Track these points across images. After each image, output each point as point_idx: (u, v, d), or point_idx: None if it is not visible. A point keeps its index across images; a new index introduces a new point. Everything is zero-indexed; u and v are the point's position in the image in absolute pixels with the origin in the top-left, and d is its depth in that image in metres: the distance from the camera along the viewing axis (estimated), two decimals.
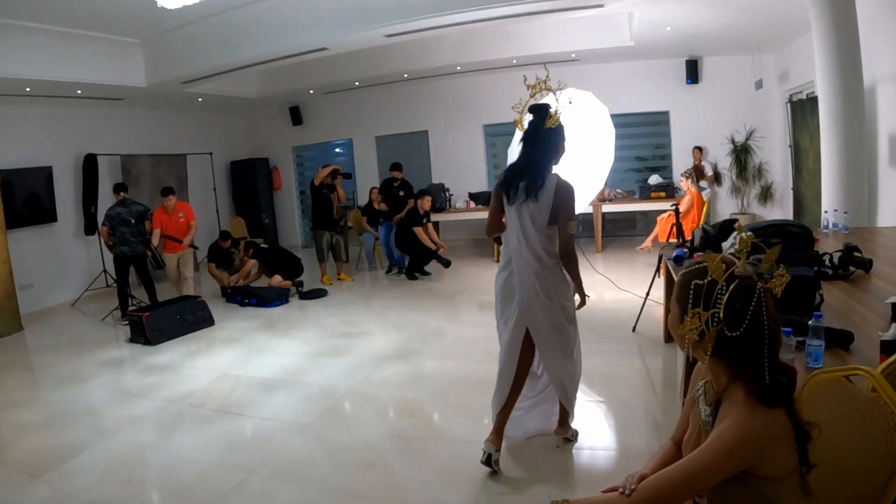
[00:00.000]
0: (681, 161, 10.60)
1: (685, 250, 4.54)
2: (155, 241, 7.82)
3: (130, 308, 7.73)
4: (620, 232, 11.32)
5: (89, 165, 9.68)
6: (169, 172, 11.07)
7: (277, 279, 8.36)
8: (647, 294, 5.96)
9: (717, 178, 10.43)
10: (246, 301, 8.27)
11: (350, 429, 4.32)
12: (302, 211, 13.70)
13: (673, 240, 5.91)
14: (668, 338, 5.40)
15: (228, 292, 8.70)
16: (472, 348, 5.85)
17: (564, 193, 3.19)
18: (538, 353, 3.40)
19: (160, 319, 6.94)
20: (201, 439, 4.33)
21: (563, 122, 3.26)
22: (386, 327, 6.82)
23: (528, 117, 3.37)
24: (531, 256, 3.20)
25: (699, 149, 10.37)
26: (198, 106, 11.59)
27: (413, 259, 9.10)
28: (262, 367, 5.79)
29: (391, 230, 9.49)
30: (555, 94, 3.46)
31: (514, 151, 7.22)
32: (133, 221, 7.83)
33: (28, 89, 8.05)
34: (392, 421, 4.41)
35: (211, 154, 12.24)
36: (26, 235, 8.98)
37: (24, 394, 5.71)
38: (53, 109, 9.30)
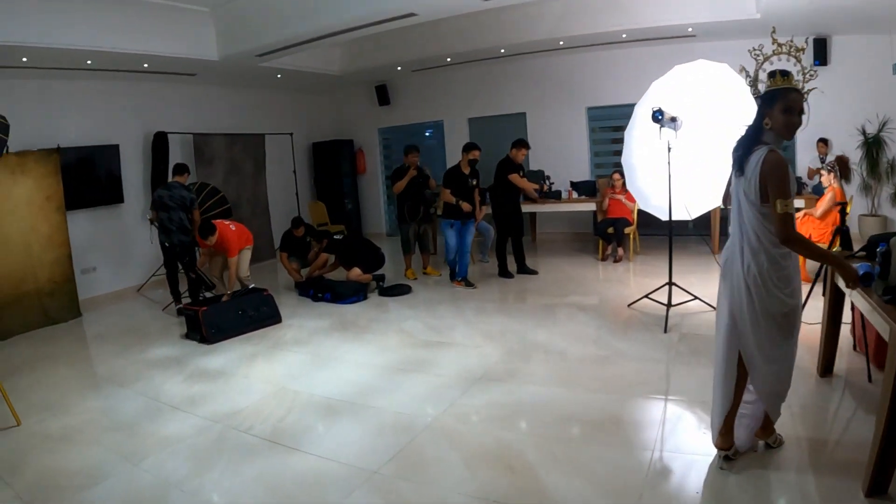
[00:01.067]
0: (804, 154, 9.07)
1: (874, 267, 3.21)
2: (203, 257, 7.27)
3: (185, 301, 7.04)
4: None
5: (159, 144, 9.14)
6: (245, 153, 10.45)
7: (356, 272, 7.47)
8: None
9: (846, 175, 8.82)
10: (319, 295, 7.44)
11: (429, 484, 3.25)
12: (388, 196, 12.97)
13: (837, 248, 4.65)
14: (826, 370, 4.14)
15: (301, 284, 7.91)
16: (581, 371, 4.72)
17: (767, 167, 2.76)
18: (742, 347, 3.00)
19: (219, 315, 6.16)
20: (239, 480, 3.41)
21: (772, 91, 2.88)
22: (477, 337, 5.76)
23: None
24: (743, 235, 2.92)
25: (824, 141, 8.76)
26: (277, 83, 10.93)
27: (507, 236, 8.00)
28: (328, 382, 4.86)
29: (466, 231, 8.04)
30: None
31: (637, 134, 6.32)
32: (173, 207, 7.13)
33: (90, 62, 7.46)
34: (484, 475, 3.29)
35: (291, 135, 11.61)
36: (90, 217, 8.51)
37: (58, 395, 5.03)
38: (119, 85, 8.77)
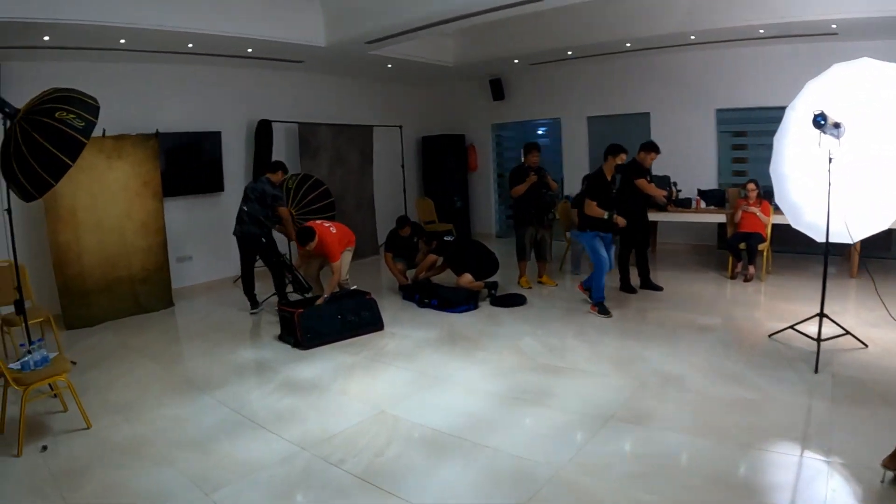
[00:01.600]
0: None
1: None
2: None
3: (282, 302, 6.49)
4: (877, 252, 8.29)
5: (263, 132, 8.74)
6: (352, 145, 9.96)
7: (467, 279, 6.73)
8: None
9: None
10: (425, 301, 6.74)
11: None
12: (499, 196, 12.19)
13: None
14: None
15: (406, 287, 7.27)
16: (725, 416, 3.76)
17: None
18: None
19: (316, 319, 5.55)
20: None
21: None
22: (602, 362, 4.85)
23: None
24: None
25: None
26: (388, 74, 10.40)
27: (631, 247, 7.05)
28: (434, 409, 4.10)
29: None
30: None
31: (790, 141, 5.25)
32: (251, 199, 6.66)
33: (191, 45, 7.09)
34: None
35: (400, 127, 11.08)
36: (188, 205, 8.21)
37: (135, 395, 4.59)
38: (222, 70, 8.44)
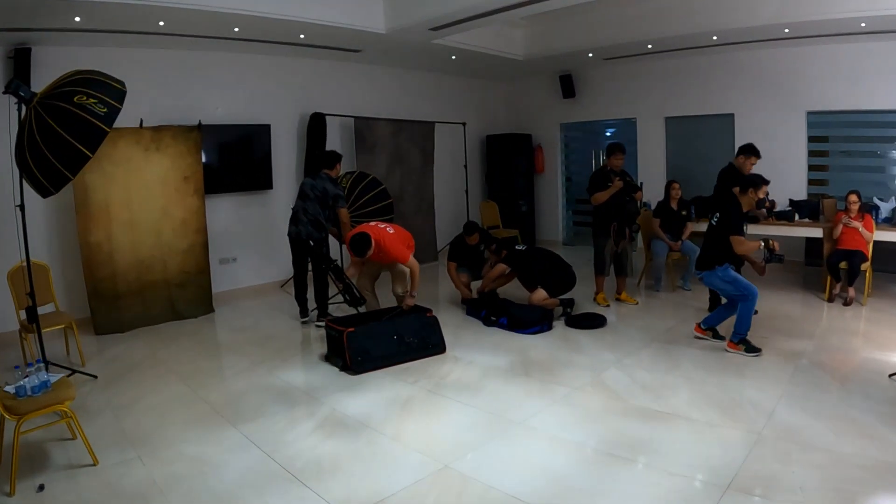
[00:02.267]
0: None
1: None
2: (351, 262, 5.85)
3: (328, 318, 5.82)
4: None
5: (316, 126, 8.10)
6: (412, 142, 9.29)
7: (541, 295, 5.91)
8: None
9: None
10: (493, 319, 5.95)
11: None
12: (566, 201, 11.37)
13: None
14: None
15: (471, 302, 6.51)
16: (868, 485, 2.92)
17: None
18: None
19: (369, 339, 4.81)
20: None
21: None
22: (705, 406, 3.96)
23: None
24: None
25: None
26: (451, 67, 9.70)
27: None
28: (510, 465, 3.30)
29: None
30: None
31: None
32: (311, 198, 5.99)
33: (237, 29, 6.47)
34: None
35: (464, 125, 10.34)
36: (234, 202, 7.63)
37: (154, 424, 3.97)
38: (272, 59, 7.86)
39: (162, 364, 5.16)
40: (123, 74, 4.07)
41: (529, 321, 5.66)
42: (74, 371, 4.81)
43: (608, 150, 6.49)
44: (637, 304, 6.62)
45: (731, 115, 9.08)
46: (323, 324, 5.81)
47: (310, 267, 6.26)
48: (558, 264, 6.20)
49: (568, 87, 10.62)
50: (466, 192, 10.33)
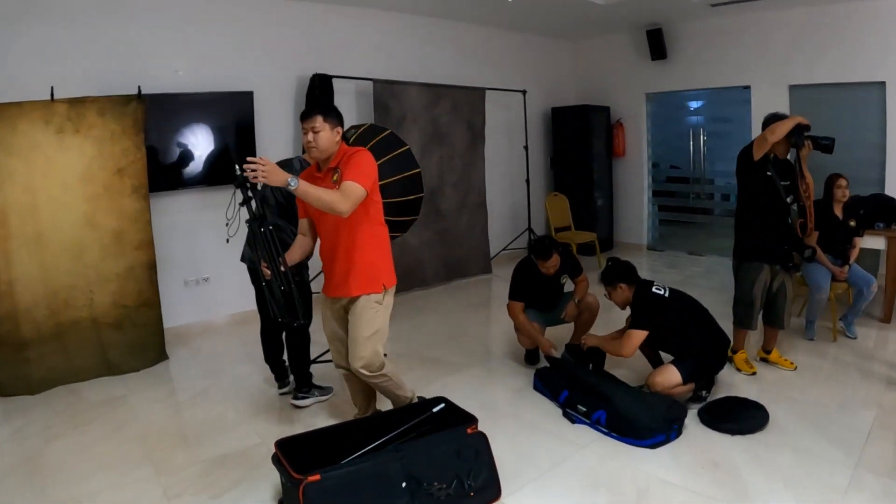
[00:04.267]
0: None
1: None
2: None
3: (300, 393, 3.90)
4: None
5: (318, 92, 6.12)
6: (455, 115, 7.24)
7: (673, 380, 3.64)
8: None
9: None
10: (581, 409, 3.69)
11: None
12: (653, 193, 9.27)
13: None
14: None
15: (550, 368, 4.21)
16: None
17: None
18: None
19: (351, 496, 2.56)
20: None
21: None
22: None
23: None
24: None
25: None
26: (508, 18, 7.81)
27: None
28: None
29: None
30: None
31: None
32: (272, 202, 3.82)
33: None
34: None
35: (524, 93, 8.30)
36: (200, 202, 5.63)
37: None
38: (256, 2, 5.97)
39: (39, 474, 3.26)
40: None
41: (647, 426, 3.38)
42: None
43: (767, 120, 4.21)
44: (794, 368, 4.39)
45: (883, 85, 6.98)
46: (304, 402, 3.94)
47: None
48: (709, 327, 3.96)
49: (657, 45, 8.60)
50: (528, 181, 8.33)
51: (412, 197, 4.13)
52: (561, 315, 4.52)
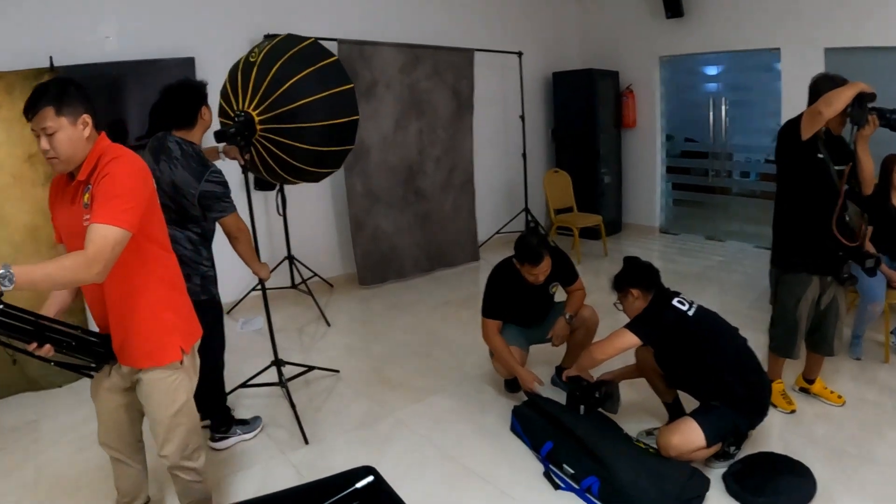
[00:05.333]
0: None
1: None
2: None
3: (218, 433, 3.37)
4: None
5: None
6: (437, 80, 6.56)
7: (695, 441, 2.80)
8: None
9: None
10: (568, 469, 2.96)
11: None
12: (666, 170, 8.61)
13: None
14: None
15: (529, 410, 3.43)
16: None
17: None
18: None
19: None
20: None
21: None
22: None
23: None
24: None
25: None
26: None
27: None
28: None
29: None
30: None
31: None
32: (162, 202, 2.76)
33: None
34: None
35: (520, 55, 7.61)
36: None
37: None
38: None
39: None
40: None
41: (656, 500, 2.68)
42: None
43: (825, 82, 3.24)
44: (843, 403, 3.61)
45: None
46: (223, 444, 3.39)
47: None
48: (747, 366, 3.04)
49: (673, 1, 7.90)
50: (524, 156, 7.68)
51: (345, 120, 3.39)
52: (548, 334, 3.74)
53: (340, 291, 6.14)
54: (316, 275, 6.01)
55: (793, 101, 6.95)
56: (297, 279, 5.85)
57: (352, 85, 3.40)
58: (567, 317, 3.63)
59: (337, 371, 3.88)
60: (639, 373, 3.39)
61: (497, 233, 7.61)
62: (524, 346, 3.73)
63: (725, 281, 6.13)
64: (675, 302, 3.01)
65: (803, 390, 3.73)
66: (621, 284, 3.16)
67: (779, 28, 7.20)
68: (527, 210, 7.74)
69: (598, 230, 7.27)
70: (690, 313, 2.97)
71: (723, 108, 7.87)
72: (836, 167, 3.16)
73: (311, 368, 4.09)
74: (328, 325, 5.23)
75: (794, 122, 3.20)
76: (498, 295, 3.62)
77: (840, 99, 2.98)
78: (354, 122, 3.47)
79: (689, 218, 8.53)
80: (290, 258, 5.77)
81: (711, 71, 8.29)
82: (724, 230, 8.04)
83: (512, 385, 3.85)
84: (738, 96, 7.87)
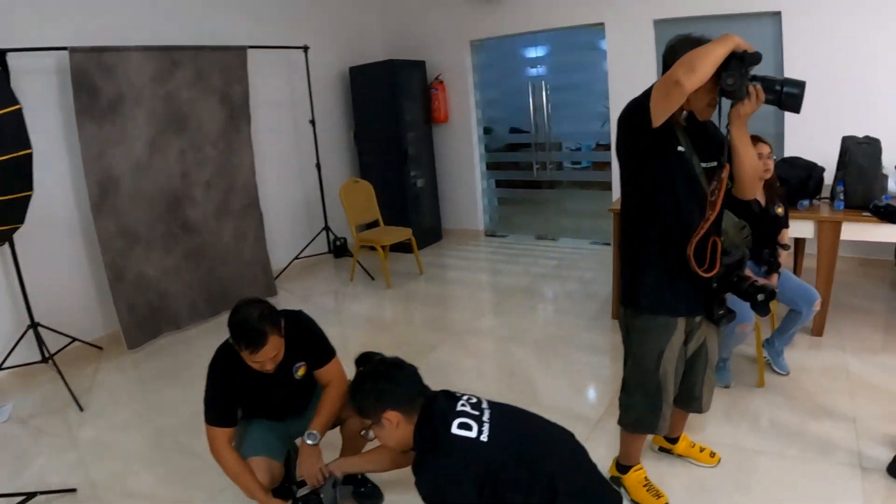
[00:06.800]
0: None
1: None
2: None
3: None
4: None
5: None
6: (201, 86, 5.58)
7: None
8: None
9: None
10: None
11: None
12: (487, 166, 8.15)
13: None
14: None
15: None
16: None
17: None
18: None
19: None
20: None
21: None
22: None
23: None
24: None
25: None
26: None
27: None
28: None
29: None
30: None
31: None
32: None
33: None
34: None
35: (305, 50, 6.77)
36: None
37: None
38: None
39: None
40: None
41: None
42: None
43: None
44: (717, 462, 3.00)
45: (778, 14, 6.10)
46: None
47: None
48: (587, 491, 2.18)
49: None
50: (318, 166, 6.89)
51: (19, 195, 2.73)
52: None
53: (111, 354, 4.98)
54: (75, 339, 4.87)
55: (620, 85, 6.78)
56: (54, 349, 4.69)
57: (30, 150, 2.63)
58: (362, 432, 2.42)
59: (73, 490, 2.94)
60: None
61: (296, 258, 6.77)
62: (279, 451, 2.74)
63: (559, 293, 5.73)
64: (455, 427, 2.05)
65: (664, 450, 3.09)
66: (371, 408, 2.15)
67: (601, 2, 6.83)
68: (327, 228, 6.99)
69: (410, 245, 6.56)
70: (484, 437, 2.04)
71: (544, 93, 7.47)
72: (704, 164, 2.32)
73: (30, 496, 3.05)
74: (80, 409, 4.16)
75: (641, 103, 2.20)
76: (222, 392, 2.62)
77: (707, 60, 1.99)
78: (26, 157, 2.60)
79: (517, 217, 8.23)
80: (34, 325, 4.59)
81: (531, 53, 7.89)
82: (557, 227, 7.77)
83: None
84: (561, 80, 7.49)
